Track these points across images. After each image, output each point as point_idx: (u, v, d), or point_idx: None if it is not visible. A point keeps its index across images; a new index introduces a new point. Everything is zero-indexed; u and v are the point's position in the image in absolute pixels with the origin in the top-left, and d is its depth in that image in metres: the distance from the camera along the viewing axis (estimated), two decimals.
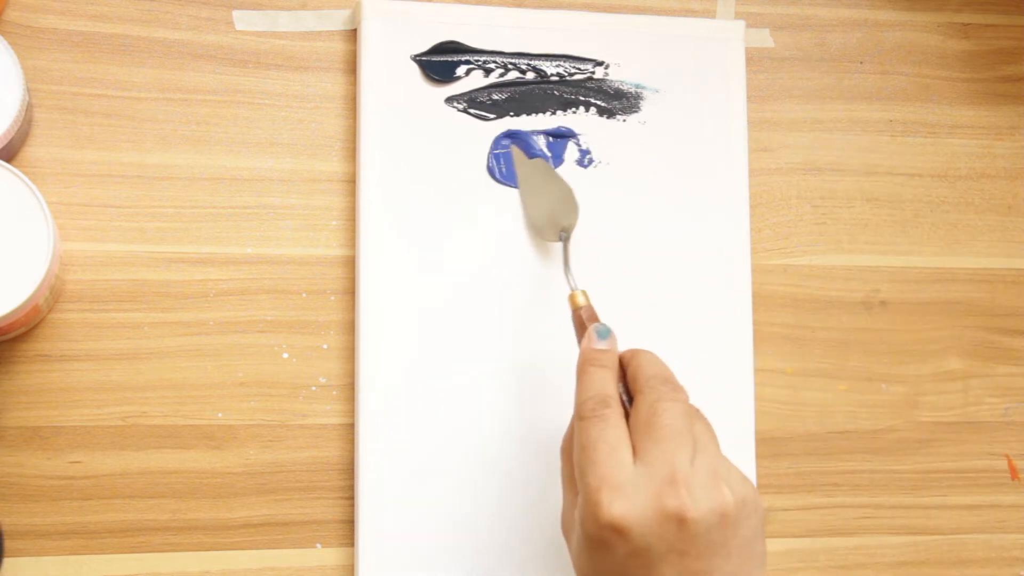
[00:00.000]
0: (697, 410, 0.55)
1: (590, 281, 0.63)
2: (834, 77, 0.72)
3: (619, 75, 0.68)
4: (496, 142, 0.67)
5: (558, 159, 0.67)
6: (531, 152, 0.66)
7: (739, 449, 0.67)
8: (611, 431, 0.52)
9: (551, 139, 0.67)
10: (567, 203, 0.65)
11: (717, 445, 0.54)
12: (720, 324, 0.67)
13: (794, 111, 0.71)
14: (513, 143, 0.66)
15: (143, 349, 0.63)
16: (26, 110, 0.61)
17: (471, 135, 0.66)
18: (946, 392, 0.71)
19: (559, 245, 0.65)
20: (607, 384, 0.55)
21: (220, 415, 0.64)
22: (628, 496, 0.50)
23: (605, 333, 0.57)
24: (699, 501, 0.50)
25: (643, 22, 0.69)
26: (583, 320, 0.58)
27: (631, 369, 0.56)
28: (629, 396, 0.56)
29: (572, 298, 0.60)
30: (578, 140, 0.67)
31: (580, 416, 0.54)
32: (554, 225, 0.65)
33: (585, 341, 0.57)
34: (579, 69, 0.68)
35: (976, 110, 0.73)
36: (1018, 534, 0.71)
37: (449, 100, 0.66)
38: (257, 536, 0.64)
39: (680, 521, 0.50)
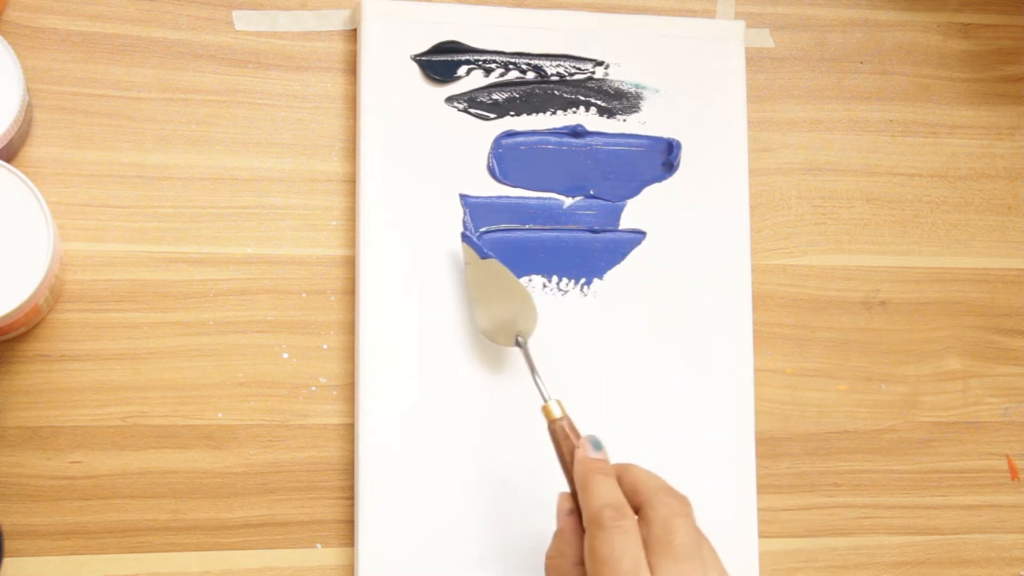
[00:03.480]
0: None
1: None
2: (834, 77, 0.72)
3: (619, 75, 0.68)
4: (496, 142, 0.67)
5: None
6: (482, 252, 0.63)
7: (739, 449, 0.67)
8: (633, 546, 0.52)
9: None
10: (525, 307, 0.63)
11: (721, 563, 0.54)
12: (720, 324, 0.67)
13: (794, 111, 0.71)
14: (464, 240, 0.63)
15: (143, 349, 0.63)
16: (26, 110, 0.61)
17: (471, 135, 0.66)
18: (946, 392, 0.71)
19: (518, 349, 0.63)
20: (617, 492, 0.54)
21: (220, 415, 0.64)
22: None
23: (599, 444, 0.57)
24: None
25: (643, 22, 0.69)
26: (566, 431, 0.57)
27: (628, 480, 0.55)
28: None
29: (547, 410, 0.58)
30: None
31: (598, 525, 0.53)
32: (509, 330, 0.63)
33: (581, 452, 0.56)
34: (579, 69, 0.68)
35: (976, 110, 0.73)
36: (1018, 534, 0.71)
37: (449, 100, 0.66)
38: (257, 536, 0.64)
39: None
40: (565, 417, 0.58)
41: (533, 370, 0.61)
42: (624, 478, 0.55)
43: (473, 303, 0.64)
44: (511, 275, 0.64)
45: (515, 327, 0.63)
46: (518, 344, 0.63)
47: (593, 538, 0.52)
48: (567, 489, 0.57)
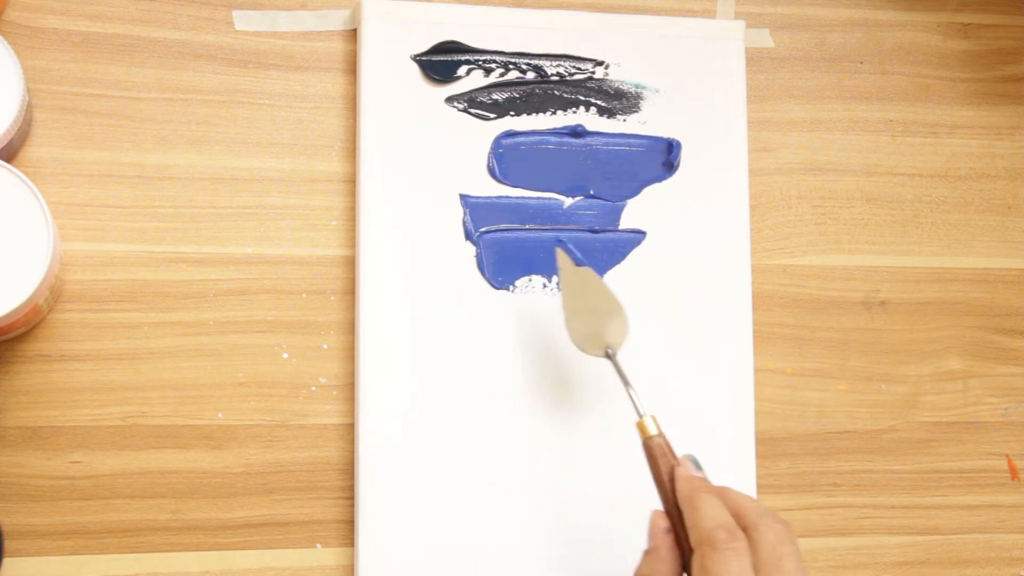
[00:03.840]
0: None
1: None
2: (834, 77, 0.72)
3: (619, 75, 0.68)
4: (496, 142, 0.67)
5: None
6: (577, 259, 0.64)
7: (739, 449, 0.67)
8: (746, 568, 0.52)
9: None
10: (616, 319, 0.62)
11: None
12: (720, 324, 0.67)
13: (794, 111, 0.71)
14: (559, 246, 0.64)
15: (143, 349, 0.63)
16: (26, 110, 0.61)
17: (471, 135, 0.66)
18: (946, 392, 0.71)
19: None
20: (726, 513, 0.54)
21: (220, 415, 0.64)
22: None
23: (699, 463, 0.57)
24: None
25: (643, 22, 0.69)
26: (664, 449, 0.57)
27: (730, 503, 0.55)
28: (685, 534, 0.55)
29: (642, 426, 0.57)
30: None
31: (711, 545, 0.52)
32: (599, 341, 0.62)
33: (684, 470, 0.56)
34: (579, 69, 0.68)
35: (976, 110, 0.73)
36: (1018, 534, 0.71)
37: (449, 100, 0.66)
38: (257, 536, 0.64)
39: None
40: (661, 434, 0.57)
41: (627, 383, 0.60)
42: (725, 500, 0.55)
43: (565, 311, 0.63)
44: (604, 284, 0.63)
45: (605, 338, 0.62)
46: (607, 356, 0.62)
47: (705, 558, 0.52)
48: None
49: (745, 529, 0.53)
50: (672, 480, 0.56)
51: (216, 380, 0.64)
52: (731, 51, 0.69)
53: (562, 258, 0.64)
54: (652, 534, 0.56)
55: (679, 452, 0.57)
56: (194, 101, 0.65)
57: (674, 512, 0.56)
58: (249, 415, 0.64)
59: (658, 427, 0.57)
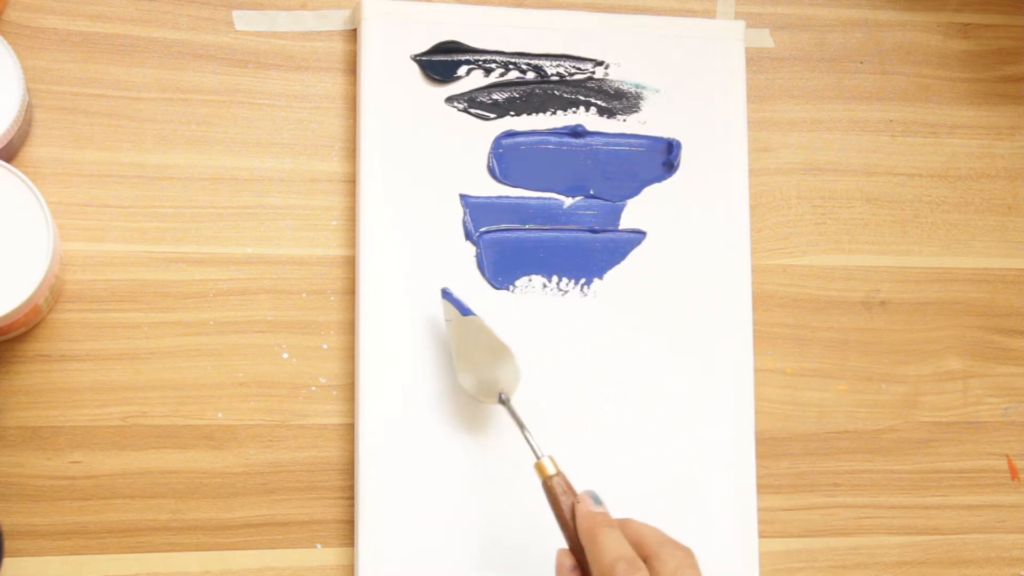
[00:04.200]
0: None
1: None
2: (834, 77, 0.72)
3: (619, 75, 0.68)
4: (496, 142, 0.67)
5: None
6: (463, 309, 0.62)
7: (739, 449, 0.67)
8: None
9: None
10: (507, 364, 0.62)
11: None
12: (720, 324, 0.67)
13: (794, 111, 0.71)
14: (444, 297, 0.62)
15: (143, 349, 0.63)
16: (26, 110, 0.61)
17: (471, 135, 0.66)
18: (946, 392, 0.71)
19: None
20: (626, 545, 0.54)
21: (220, 415, 0.64)
22: None
23: (598, 498, 0.57)
24: None
25: (643, 22, 0.69)
26: (564, 487, 0.57)
27: (630, 534, 0.55)
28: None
29: (541, 467, 0.58)
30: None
31: None
32: (492, 388, 0.62)
33: (583, 507, 0.56)
34: (579, 69, 0.68)
35: (976, 110, 0.73)
36: (1018, 534, 0.71)
37: (449, 100, 0.66)
38: (257, 536, 0.64)
39: None
40: (560, 473, 0.58)
41: (522, 427, 0.60)
42: (626, 532, 0.56)
43: (455, 360, 0.63)
44: (493, 332, 0.62)
45: (497, 385, 0.62)
46: (501, 402, 0.62)
47: None
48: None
49: (646, 559, 0.54)
50: (573, 517, 0.57)
51: (216, 380, 0.64)
52: (731, 51, 0.69)
53: (447, 309, 0.63)
54: (558, 572, 0.56)
55: (585, 486, 0.58)
56: (194, 101, 0.65)
57: (578, 549, 0.56)
58: (249, 415, 0.64)
59: (556, 467, 0.58)
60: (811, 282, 0.70)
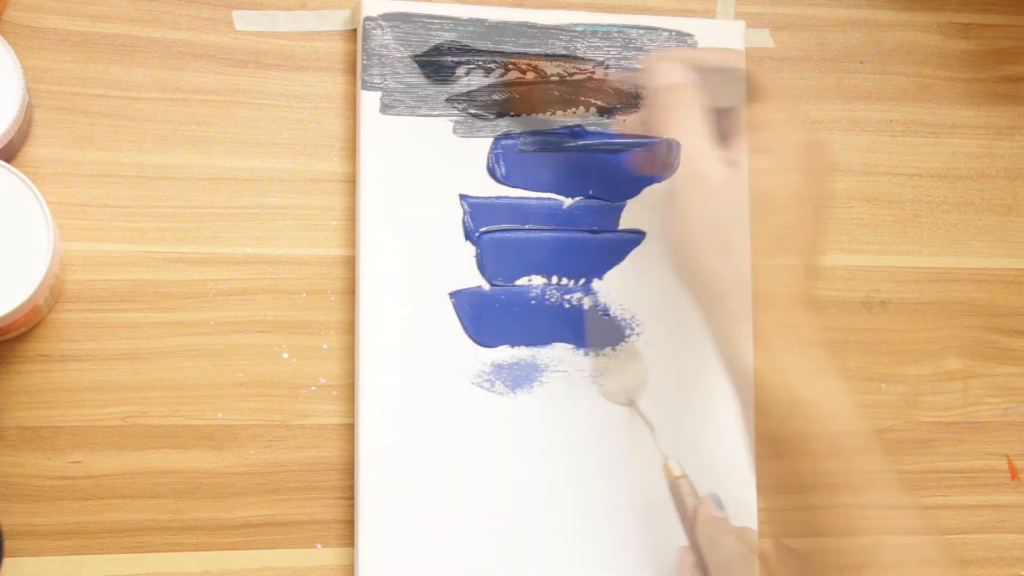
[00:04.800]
0: None
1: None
2: (834, 77, 0.72)
3: (619, 75, 0.68)
4: (496, 142, 0.67)
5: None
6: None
7: (739, 449, 0.67)
8: None
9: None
10: (635, 366, 0.65)
11: None
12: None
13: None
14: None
15: (143, 349, 0.63)
16: (26, 110, 0.61)
17: (471, 135, 0.66)
18: (946, 392, 0.71)
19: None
20: (742, 547, 0.59)
21: (220, 415, 0.64)
22: None
23: (721, 502, 0.61)
24: None
25: (643, 22, 0.69)
26: (690, 489, 0.62)
27: (747, 541, 0.61)
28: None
29: (668, 469, 0.62)
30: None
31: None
32: (623, 394, 0.65)
33: (704, 510, 0.61)
34: (579, 69, 0.68)
35: (976, 110, 0.73)
36: (1018, 534, 0.71)
37: (449, 100, 0.66)
38: (257, 536, 0.64)
39: None
40: (685, 476, 0.62)
41: (651, 427, 0.63)
42: (743, 540, 0.60)
43: (594, 370, 0.65)
44: (634, 349, 0.66)
45: (626, 388, 0.65)
46: (630, 403, 0.65)
47: None
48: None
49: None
50: (694, 520, 0.61)
51: (216, 380, 0.64)
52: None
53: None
54: (681, 569, 0.60)
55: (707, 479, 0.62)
56: (194, 101, 0.65)
57: (699, 548, 0.61)
58: (249, 415, 0.64)
59: (682, 469, 0.62)
60: None
